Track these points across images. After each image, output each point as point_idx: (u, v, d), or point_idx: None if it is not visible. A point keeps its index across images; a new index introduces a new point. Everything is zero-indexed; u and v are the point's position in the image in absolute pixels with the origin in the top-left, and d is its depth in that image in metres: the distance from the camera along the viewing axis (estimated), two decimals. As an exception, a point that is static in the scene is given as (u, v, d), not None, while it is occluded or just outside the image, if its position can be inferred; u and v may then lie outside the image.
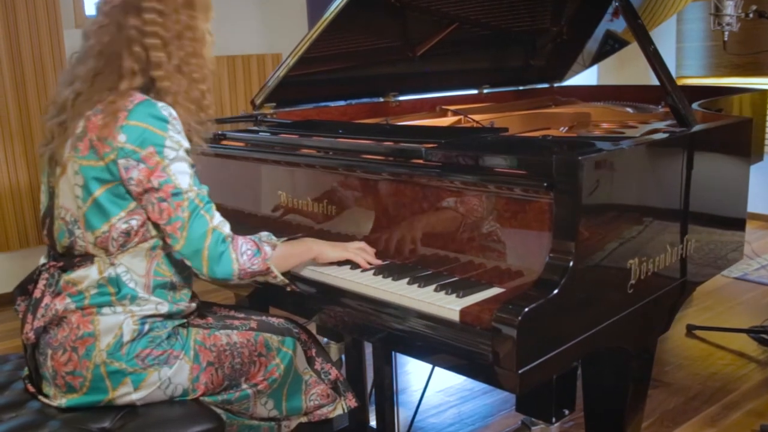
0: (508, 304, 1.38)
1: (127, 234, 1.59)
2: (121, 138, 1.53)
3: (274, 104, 2.59)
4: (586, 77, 3.83)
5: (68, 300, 1.60)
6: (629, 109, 2.89)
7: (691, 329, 3.45)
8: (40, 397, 1.64)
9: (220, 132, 2.31)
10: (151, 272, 1.63)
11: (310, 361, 1.85)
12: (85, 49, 1.64)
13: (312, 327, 1.84)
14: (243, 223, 2.20)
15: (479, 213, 1.63)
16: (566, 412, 2.18)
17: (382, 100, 2.91)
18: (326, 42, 2.48)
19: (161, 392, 1.62)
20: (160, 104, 1.57)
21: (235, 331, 1.74)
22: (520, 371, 1.36)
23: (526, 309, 1.36)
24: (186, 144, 1.59)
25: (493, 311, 1.39)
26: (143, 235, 1.60)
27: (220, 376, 1.68)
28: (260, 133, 2.33)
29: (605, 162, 1.52)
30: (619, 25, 3.08)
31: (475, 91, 3.19)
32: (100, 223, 1.58)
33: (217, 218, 1.60)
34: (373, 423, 2.41)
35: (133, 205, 1.58)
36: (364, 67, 2.78)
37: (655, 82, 1.93)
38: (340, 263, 1.79)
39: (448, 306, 1.49)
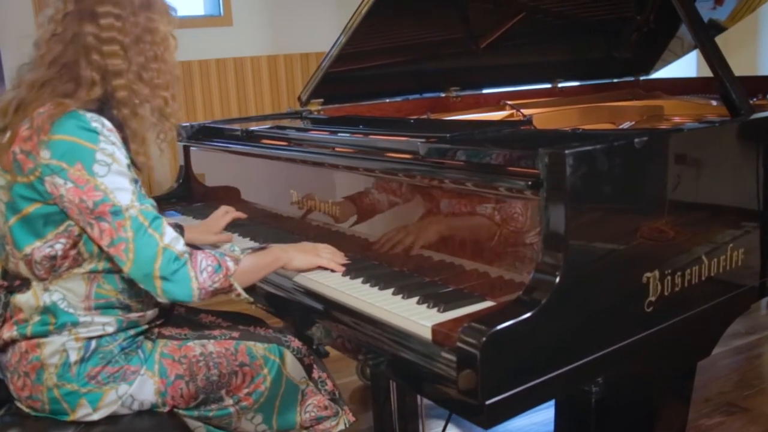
0: (476, 323, 1.18)
1: (52, 258, 1.46)
2: (45, 154, 1.39)
3: (321, 100, 2.49)
4: (684, 69, 3.50)
5: (14, 328, 1.52)
6: (714, 102, 2.58)
7: (784, 349, 3.07)
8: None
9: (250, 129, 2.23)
10: (92, 295, 1.50)
11: (307, 369, 1.72)
12: (36, 59, 1.51)
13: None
14: (266, 223, 2.11)
15: (471, 215, 1.44)
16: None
17: (442, 95, 2.74)
18: (378, 34, 2.35)
19: (126, 410, 1.52)
20: (89, 115, 1.42)
21: (211, 341, 1.62)
22: (487, 402, 1.16)
23: (494, 329, 1.15)
24: (122, 157, 1.43)
25: (462, 330, 1.20)
26: (74, 259, 1.47)
27: (193, 390, 1.57)
28: (287, 131, 2.21)
29: (603, 156, 1.27)
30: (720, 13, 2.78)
31: (548, 85, 2.96)
32: (23, 244, 1.46)
33: (169, 235, 1.43)
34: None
35: (62, 227, 1.44)
36: (423, 61, 2.63)
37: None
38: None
39: (421, 321, 1.31)
